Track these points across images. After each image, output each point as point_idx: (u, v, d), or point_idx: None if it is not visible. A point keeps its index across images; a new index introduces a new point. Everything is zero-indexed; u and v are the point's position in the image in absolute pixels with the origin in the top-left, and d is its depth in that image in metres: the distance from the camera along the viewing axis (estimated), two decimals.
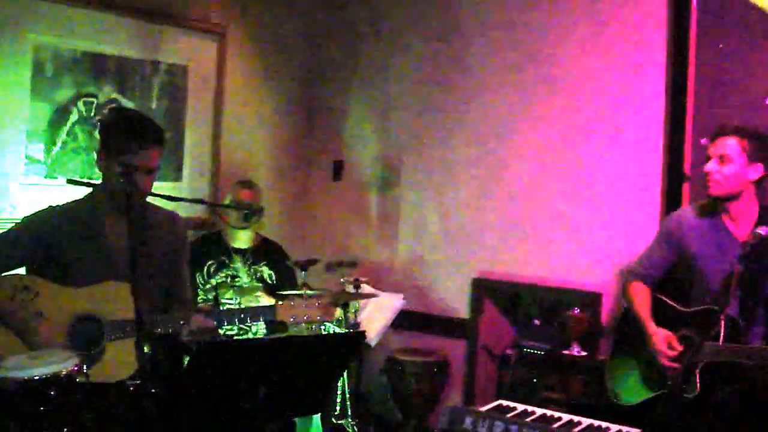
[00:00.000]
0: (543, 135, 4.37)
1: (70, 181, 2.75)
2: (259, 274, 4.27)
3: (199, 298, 4.10)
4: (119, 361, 2.65)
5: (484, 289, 4.59)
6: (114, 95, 4.23)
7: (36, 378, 2.24)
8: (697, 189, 3.70)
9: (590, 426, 2.47)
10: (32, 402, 2.22)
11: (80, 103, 4.10)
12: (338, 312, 4.20)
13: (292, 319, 2.93)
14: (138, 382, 2.56)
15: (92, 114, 4.12)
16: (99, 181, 2.87)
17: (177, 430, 2.29)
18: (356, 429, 4.37)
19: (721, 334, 2.89)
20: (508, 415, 2.51)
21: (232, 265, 4.23)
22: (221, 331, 4.06)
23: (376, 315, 4.44)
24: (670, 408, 2.96)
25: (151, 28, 4.37)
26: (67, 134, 4.07)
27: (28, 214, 2.88)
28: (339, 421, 4.41)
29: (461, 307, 4.69)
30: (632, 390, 3.23)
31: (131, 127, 2.77)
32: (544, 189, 4.36)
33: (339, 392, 4.43)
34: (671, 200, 3.82)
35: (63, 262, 2.76)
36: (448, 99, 4.76)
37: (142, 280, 2.50)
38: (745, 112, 3.59)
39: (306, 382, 2.48)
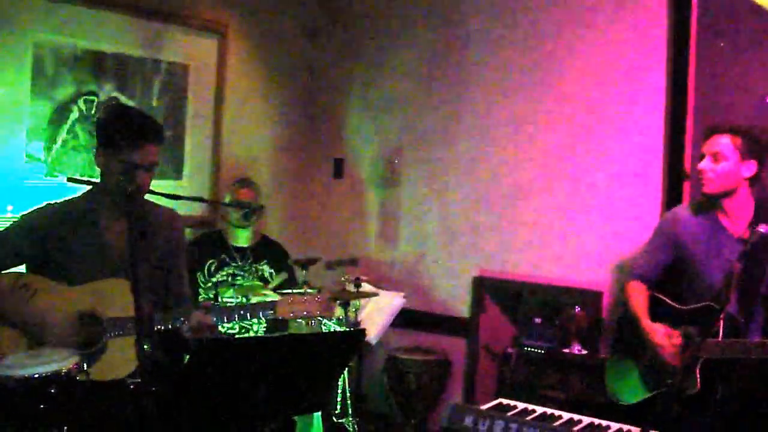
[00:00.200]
0: (544, 133, 4.36)
1: (71, 180, 2.75)
2: (260, 273, 4.28)
3: (200, 297, 4.10)
4: (119, 358, 2.65)
5: (484, 287, 4.59)
6: (114, 93, 4.23)
7: (36, 376, 2.24)
8: (698, 189, 3.70)
9: (590, 424, 2.47)
10: (32, 400, 2.22)
11: (80, 102, 4.10)
12: (339, 310, 4.20)
13: (291, 314, 2.92)
14: (138, 380, 2.56)
15: (93, 112, 4.12)
16: (98, 180, 2.87)
17: (177, 428, 2.29)
18: (357, 428, 4.37)
19: (720, 330, 2.90)
20: (509, 414, 2.51)
21: (232, 264, 4.23)
22: (222, 329, 4.07)
23: (376, 313, 4.44)
24: (670, 404, 2.97)
25: (152, 26, 4.37)
26: (68, 133, 4.06)
27: (27, 211, 2.88)
28: (339, 420, 4.41)
29: (462, 306, 4.69)
30: (632, 390, 3.24)
31: (130, 124, 2.77)
32: (544, 187, 4.36)
33: (339, 391, 4.44)
34: (672, 198, 3.82)
35: (62, 259, 2.76)
36: (448, 97, 4.76)
37: (141, 277, 2.50)
38: (745, 110, 3.60)
39: (306, 380, 2.48)
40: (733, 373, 2.91)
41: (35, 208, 2.87)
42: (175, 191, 4.17)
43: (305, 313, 2.95)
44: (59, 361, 2.31)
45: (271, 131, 5.12)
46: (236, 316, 2.90)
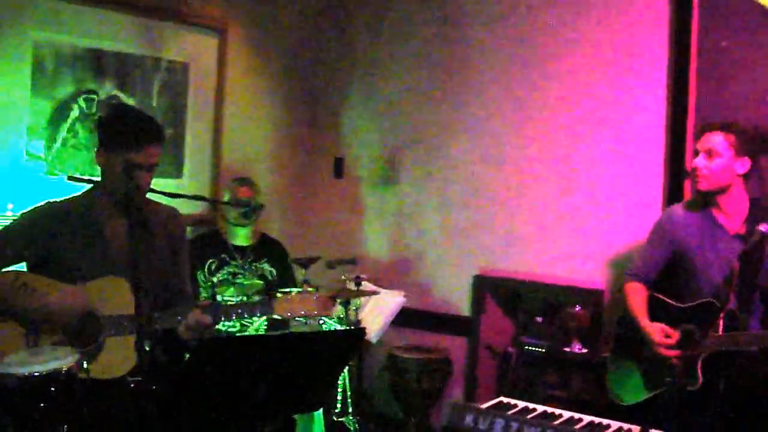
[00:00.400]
0: (544, 132, 4.36)
1: (71, 178, 2.75)
2: (260, 272, 4.27)
3: (201, 296, 4.10)
4: (118, 357, 2.64)
5: (485, 286, 4.59)
6: (114, 92, 4.23)
7: (36, 374, 2.23)
8: (693, 186, 3.71)
9: (591, 423, 2.47)
10: (32, 399, 2.21)
11: (81, 100, 4.09)
12: (339, 309, 4.20)
13: (289, 313, 2.92)
14: (138, 378, 2.56)
15: (93, 111, 4.11)
16: (99, 178, 2.87)
17: (177, 427, 2.29)
18: (357, 426, 4.37)
19: (720, 326, 2.93)
20: (509, 412, 2.51)
21: (233, 263, 4.23)
22: (223, 328, 4.07)
23: (376, 312, 4.44)
24: (671, 402, 2.97)
25: (152, 24, 4.37)
26: (68, 131, 4.06)
27: (27, 210, 2.88)
28: (340, 419, 4.41)
29: (462, 305, 4.69)
30: (633, 391, 3.24)
31: (131, 125, 2.77)
32: (545, 186, 4.35)
33: (340, 389, 4.44)
34: (673, 197, 3.82)
35: (62, 258, 2.75)
36: (448, 96, 4.76)
37: (141, 276, 2.50)
38: (746, 109, 3.60)
39: (306, 378, 2.48)
40: (735, 368, 2.92)
41: (35, 206, 2.86)
42: (175, 190, 4.17)
43: (303, 312, 2.95)
44: (59, 360, 2.31)
45: (271, 130, 5.12)
46: (234, 315, 2.90)
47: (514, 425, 2.33)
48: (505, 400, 2.67)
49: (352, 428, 4.36)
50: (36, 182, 3.91)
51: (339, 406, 4.45)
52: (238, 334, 4.04)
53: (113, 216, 2.85)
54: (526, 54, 4.43)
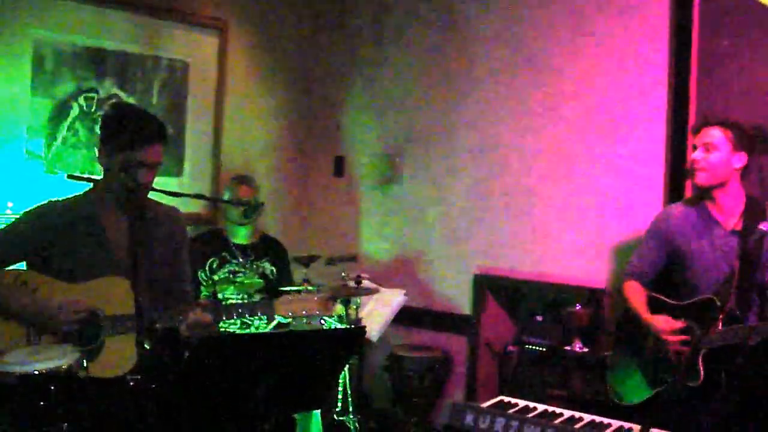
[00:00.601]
0: (545, 131, 4.35)
1: (71, 177, 2.75)
2: (261, 270, 4.27)
3: (202, 294, 4.10)
4: (119, 356, 2.64)
5: (485, 285, 4.58)
6: (114, 90, 4.23)
7: (36, 373, 2.23)
8: (690, 180, 3.72)
9: (591, 422, 2.47)
10: (32, 397, 2.21)
11: (81, 99, 4.09)
12: (339, 308, 4.20)
13: (289, 313, 2.92)
14: (137, 377, 2.56)
15: (93, 109, 4.11)
16: (99, 177, 2.86)
17: (177, 425, 2.29)
18: (358, 425, 4.36)
19: (720, 322, 2.94)
20: (510, 411, 2.51)
21: (234, 261, 4.23)
22: (223, 326, 4.06)
23: (377, 311, 4.43)
24: (673, 398, 2.97)
25: (152, 23, 4.37)
26: (68, 130, 4.06)
27: (27, 209, 2.88)
28: (340, 418, 4.41)
29: (463, 303, 4.68)
30: (634, 389, 3.23)
31: (134, 123, 2.77)
32: (546, 184, 4.35)
33: (341, 388, 4.44)
34: (674, 195, 3.81)
35: (63, 257, 2.75)
36: (449, 95, 4.75)
37: (142, 275, 2.49)
38: (747, 107, 3.60)
39: (306, 377, 2.47)
40: (736, 364, 2.92)
41: (36, 205, 2.86)
42: (176, 188, 4.18)
43: (304, 312, 2.95)
44: (59, 358, 2.31)
45: (271, 128, 5.12)
46: (235, 314, 2.89)
47: (515, 424, 2.32)
48: (506, 399, 2.67)
49: (352, 427, 4.35)
50: (36, 181, 3.91)
51: (339, 405, 4.45)
52: (238, 333, 4.04)
53: (114, 215, 2.84)
54: (527, 53, 4.42)
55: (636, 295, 3.30)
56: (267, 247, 4.36)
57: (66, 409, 2.27)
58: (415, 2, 4.92)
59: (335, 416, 4.41)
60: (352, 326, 4.08)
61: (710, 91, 3.78)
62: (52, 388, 2.25)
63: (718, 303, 2.98)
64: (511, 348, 4.29)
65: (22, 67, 3.88)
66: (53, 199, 2.88)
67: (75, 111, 4.07)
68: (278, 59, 5.10)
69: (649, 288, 3.33)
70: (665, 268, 3.33)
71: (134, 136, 2.72)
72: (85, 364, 2.39)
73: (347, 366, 4.34)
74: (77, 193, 2.91)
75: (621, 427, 2.43)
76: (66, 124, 4.05)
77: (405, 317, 4.60)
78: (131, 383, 2.58)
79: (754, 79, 3.64)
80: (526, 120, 4.43)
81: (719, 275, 3.07)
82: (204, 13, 4.61)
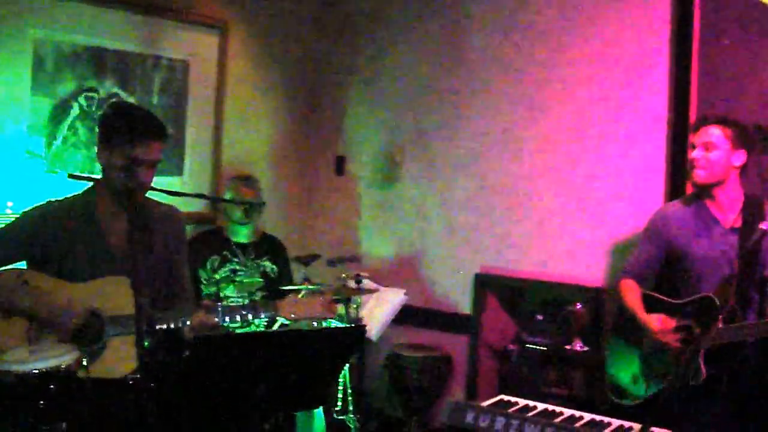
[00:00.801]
0: (545, 129, 4.36)
1: (71, 176, 2.75)
2: (261, 269, 4.27)
3: (203, 293, 4.10)
4: (120, 357, 2.64)
5: (486, 284, 4.58)
6: (115, 90, 4.23)
7: (36, 372, 2.23)
8: (689, 179, 3.71)
9: (591, 421, 2.47)
10: (31, 396, 2.21)
11: (81, 98, 4.09)
12: (340, 307, 4.20)
13: (292, 316, 2.92)
14: (137, 376, 2.56)
15: (93, 109, 4.11)
16: (99, 176, 2.86)
17: (177, 424, 2.29)
18: (358, 424, 4.37)
19: (720, 321, 2.93)
20: (510, 410, 2.51)
21: (234, 260, 4.23)
22: (224, 326, 4.06)
23: (377, 310, 4.44)
24: (674, 396, 2.97)
25: (152, 22, 4.37)
26: (68, 129, 4.06)
27: (27, 209, 2.88)
28: (341, 417, 4.41)
29: (463, 303, 4.68)
30: (634, 384, 3.22)
31: (133, 122, 2.77)
32: (546, 184, 4.35)
33: (341, 387, 4.44)
34: (674, 195, 3.81)
35: (63, 257, 2.75)
36: (450, 94, 4.75)
37: (142, 274, 2.49)
38: (748, 106, 3.60)
39: (306, 376, 2.47)
40: (737, 361, 2.92)
41: (36, 205, 2.86)
42: (176, 187, 4.19)
43: (307, 315, 2.95)
44: (58, 357, 2.31)
45: (272, 128, 5.12)
46: (238, 316, 2.89)
47: (515, 423, 2.33)
48: (506, 398, 2.67)
49: (352, 426, 4.36)
50: (36, 180, 3.90)
51: (340, 404, 4.45)
52: (238, 331, 4.04)
53: (114, 214, 2.84)
54: (528, 53, 4.42)
55: (631, 293, 3.30)
56: (267, 246, 4.36)
57: (65, 408, 2.27)
58: (416, 1, 4.92)
59: (335, 415, 4.41)
60: (353, 325, 4.08)
61: (711, 91, 3.78)
62: (52, 387, 2.25)
63: (718, 302, 2.98)
64: (511, 347, 4.29)
65: (22, 67, 3.88)
66: (52, 199, 2.88)
67: (75, 110, 4.07)
68: (278, 59, 5.10)
69: (645, 286, 3.33)
70: (663, 266, 3.33)
71: (133, 134, 2.72)
72: (85, 363, 2.39)
73: (347, 365, 4.34)
74: (77, 193, 2.91)
75: (621, 426, 2.43)
76: (66, 123, 4.05)
77: (405, 316, 4.60)
78: (131, 382, 2.58)
79: (755, 78, 3.64)
80: (526, 119, 4.43)
81: (719, 273, 3.07)
82: (204, 12, 4.61)
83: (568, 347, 4.04)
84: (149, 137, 2.75)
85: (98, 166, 2.84)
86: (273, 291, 4.16)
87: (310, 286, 4.05)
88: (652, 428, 2.33)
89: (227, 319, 2.87)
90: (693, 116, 3.80)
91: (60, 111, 4.02)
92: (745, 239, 3.02)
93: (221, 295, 4.14)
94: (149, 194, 2.90)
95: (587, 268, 4.17)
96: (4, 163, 3.83)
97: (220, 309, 2.86)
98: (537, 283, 4.36)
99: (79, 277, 2.73)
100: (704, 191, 3.18)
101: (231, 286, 4.17)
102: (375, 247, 5.11)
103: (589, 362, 3.95)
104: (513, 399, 2.66)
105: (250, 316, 2.90)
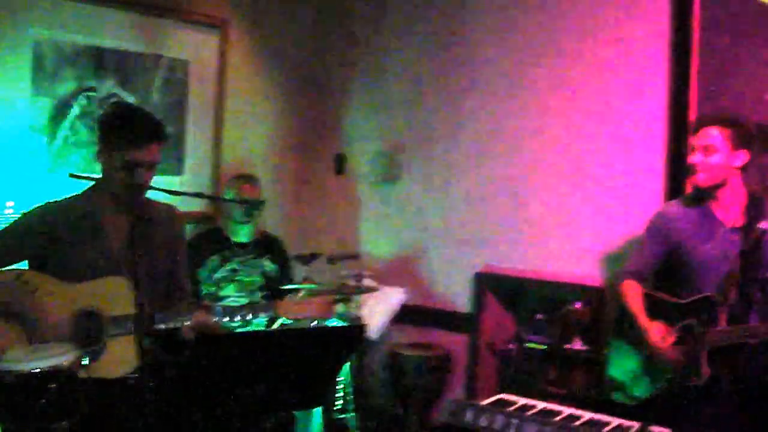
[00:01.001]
0: (545, 129, 4.36)
1: (72, 176, 2.75)
2: (261, 268, 4.27)
3: (203, 293, 4.10)
4: (120, 357, 2.64)
5: (486, 283, 4.59)
6: (115, 89, 4.23)
7: (36, 371, 2.24)
8: (691, 182, 3.71)
9: (591, 420, 2.48)
10: (32, 395, 2.22)
11: (81, 98, 4.09)
12: (339, 306, 4.20)
13: (291, 316, 2.93)
14: (137, 375, 2.56)
15: (93, 108, 4.11)
16: (100, 176, 2.87)
17: (177, 424, 2.30)
18: (358, 423, 4.37)
19: (722, 320, 2.92)
20: (509, 409, 2.52)
21: (235, 260, 4.23)
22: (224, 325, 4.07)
23: (377, 309, 4.44)
24: (675, 396, 2.97)
25: (153, 21, 4.37)
26: (68, 129, 4.06)
27: (28, 209, 2.88)
28: (341, 416, 4.41)
29: (463, 302, 4.69)
30: (636, 381, 3.21)
31: (133, 123, 2.78)
32: (546, 183, 4.35)
33: (341, 386, 4.44)
34: (674, 194, 3.81)
35: (63, 257, 2.75)
36: (449, 93, 4.75)
37: (142, 274, 2.50)
38: (746, 105, 3.60)
39: (306, 375, 2.48)
40: (740, 361, 2.91)
41: (37, 206, 2.87)
42: (176, 187, 4.19)
43: (306, 315, 2.95)
44: (59, 356, 2.31)
45: (272, 127, 5.12)
46: (238, 316, 2.90)
47: (515, 422, 2.33)
48: (506, 396, 2.68)
49: (352, 425, 4.36)
50: (37, 180, 3.91)
51: (339, 403, 4.45)
52: (238, 331, 4.04)
53: (114, 214, 2.85)
54: (528, 52, 4.42)
55: (633, 296, 3.26)
56: (267, 245, 4.37)
57: (66, 407, 2.27)
58: (415, 1, 4.92)
59: (335, 414, 4.41)
60: (353, 324, 4.09)
61: (710, 90, 3.77)
62: (53, 386, 2.25)
63: (718, 299, 2.97)
64: (511, 346, 4.30)
65: (23, 67, 3.88)
66: (52, 200, 2.89)
67: (75, 110, 4.07)
68: (278, 58, 5.10)
69: (646, 286, 3.31)
70: (666, 265, 3.32)
71: (132, 135, 2.73)
72: (86, 362, 2.40)
73: (347, 364, 4.35)
74: (76, 193, 2.92)
75: (620, 425, 2.44)
76: (66, 123, 4.05)
77: (405, 315, 4.61)
78: (131, 382, 2.59)
79: (754, 77, 3.64)
80: (526, 119, 4.43)
81: (721, 273, 3.04)
82: (204, 12, 4.61)
83: (567, 346, 4.05)
84: (148, 139, 2.76)
85: (98, 166, 2.85)
86: (273, 290, 4.16)
87: (309, 286, 4.05)
88: (651, 427, 2.33)
89: (226, 319, 2.88)
90: (692, 116, 3.80)
91: (60, 111, 4.02)
92: (746, 238, 3.00)
93: (221, 294, 4.14)
94: (149, 194, 2.90)
95: (587, 267, 4.17)
96: (5, 163, 3.84)
97: (218, 309, 2.86)
98: (537, 282, 4.36)
99: (79, 277, 2.72)
100: (706, 193, 3.15)
101: (231, 286, 4.17)
102: (375, 246, 5.12)
103: (588, 361, 3.95)
104: (512, 398, 2.66)
105: (249, 317, 2.90)
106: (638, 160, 4.02)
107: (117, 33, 4.22)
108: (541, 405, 2.59)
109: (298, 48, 5.20)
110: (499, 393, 2.75)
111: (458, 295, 4.70)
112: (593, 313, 4.06)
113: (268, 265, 4.30)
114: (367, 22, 5.18)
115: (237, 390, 2.32)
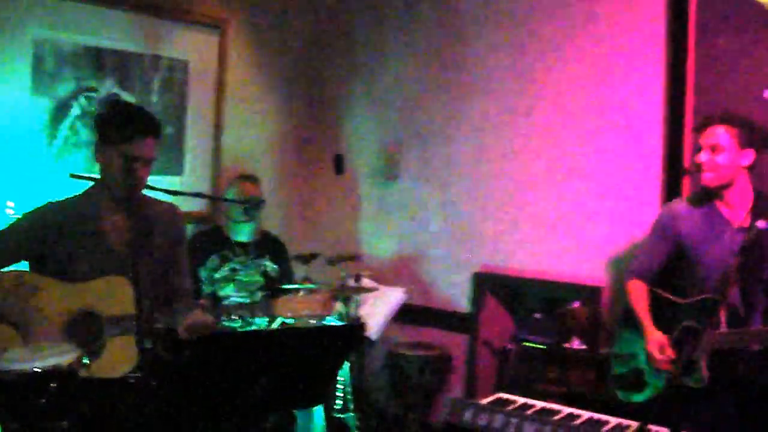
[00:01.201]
0: (543, 129, 4.36)
1: (72, 176, 2.76)
2: (261, 268, 4.28)
3: (203, 292, 4.11)
4: (120, 356, 2.65)
5: (485, 283, 4.59)
6: (115, 90, 4.23)
7: (36, 371, 2.24)
8: (697, 182, 3.70)
9: (590, 419, 2.48)
10: (32, 394, 2.22)
11: (81, 98, 4.10)
12: (339, 306, 4.21)
13: (290, 314, 2.93)
14: (138, 375, 2.57)
15: (93, 108, 4.12)
16: (98, 176, 2.87)
17: (177, 423, 2.30)
18: (358, 423, 4.38)
19: (723, 322, 2.89)
20: (508, 408, 2.53)
21: (235, 259, 4.23)
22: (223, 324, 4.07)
23: (377, 309, 4.45)
24: (673, 396, 2.96)
25: (152, 22, 4.37)
26: (68, 129, 4.07)
27: (28, 210, 2.88)
28: (340, 415, 4.42)
29: (462, 301, 4.70)
30: (641, 384, 3.21)
31: (127, 118, 2.79)
32: (545, 182, 4.36)
33: (340, 386, 4.45)
34: (671, 193, 3.82)
35: (63, 257, 2.76)
36: (449, 92, 4.76)
37: (142, 273, 2.50)
38: (744, 105, 3.59)
39: (306, 374, 2.49)
40: (740, 364, 2.90)
41: (37, 206, 2.87)
42: (176, 187, 4.20)
43: (305, 312, 2.95)
44: (59, 356, 2.32)
45: (271, 127, 5.12)
46: (235, 315, 2.90)
47: (514, 421, 2.34)
48: (505, 396, 2.69)
49: (352, 425, 4.37)
50: (37, 180, 3.91)
51: (340, 402, 4.46)
52: (238, 330, 4.05)
53: (113, 213, 2.85)
54: (526, 52, 4.43)
55: (640, 298, 3.25)
56: (268, 245, 4.37)
57: (66, 406, 2.28)
58: (414, 1, 4.92)
59: (335, 414, 4.42)
60: (352, 324, 4.09)
61: (707, 88, 3.77)
62: (53, 385, 2.26)
63: (717, 297, 2.95)
64: (510, 345, 4.30)
65: (23, 67, 3.88)
66: (53, 201, 2.89)
67: (75, 110, 4.08)
68: (278, 58, 5.10)
69: (652, 284, 3.29)
70: (673, 263, 3.29)
71: (127, 131, 2.74)
72: (86, 361, 2.40)
73: (347, 364, 4.35)
74: (76, 193, 2.92)
75: (619, 424, 2.45)
76: (66, 123, 4.06)
77: (405, 315, 4.61)
78: (132, 381, 2.59)
79: (750, 76, 3.64)
80: (524, 119, 4.44)
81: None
82: (204, 11, 4.61)
83: (566, 346, 4.05)
84: (142, 134, 2.76)
85: (97, 166, 2.85)
86: (273, 290, 4.16)
87: (309, 285, 4.06)
88: (650, 426, 2.34)
89: (224, 318, 2.88)
90: (689, 116, 3.80)
91: (60, 111, 4.03)
92: (746, 238, 2.98)
93: (221, 294, 4.15)
94: (149, 193, 2.90)
95: (585, 266, 4.18)
96: (5, 163, 3.84)
97: (216, 309, 2.87)
98: (536, 282, 4.37)
99: (79, 277, 2.73)
100: (713, 193, 3.11)
101: (231, 285, 4.17)
102: (374, 246, 5.12)
103: (587, 360, 3.96)
104: (511, 397, 2.67)
105: (247, 316, 2.91)
106: (635, 160, 4.03)
107: (117, 33, 4.22)
108: (539, 404, 2.60)
109: (297, 48, 5.21)
110: (498, 392, 2.76)
111: (457, 295, 4.71)
112: (591, 313, 4.06)
113: (268, 265, 4.30)
114: (366, 23, 5.18)
115: (237, 389, 2.32)
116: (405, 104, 4.98)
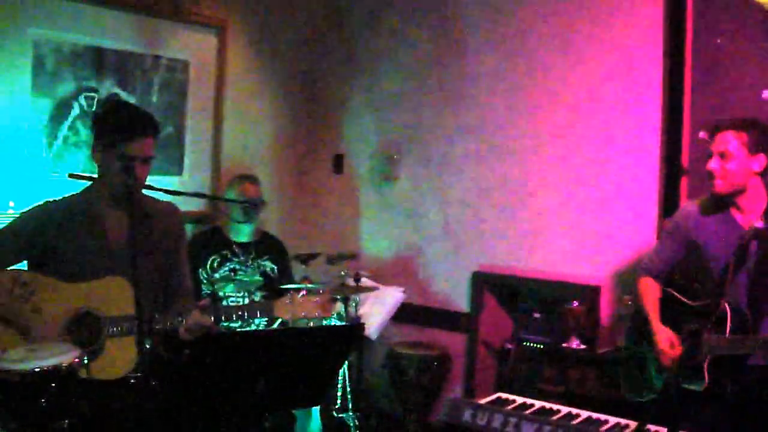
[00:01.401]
0: (542, 129, 4.37)
1: (72, 176, 2.76)
2: (261, 268, 4.28)
3: (203, 293, 4.11)
4: (119, 357, 2.65)
5: (484, 282, 4.60)
6: (115, 90, 4.24)
7: (36, 371, 2.25)
8: (695, 182, 3.72)
9: (588, 418, 2.49)
10: (32, 394, 2.23)
11: (81, 98, 4.10)
12: (338, 306, 4.21)
13: (289, 315, 2.93)
14: (138, 375, 2.57)
15: (93, 108, 4.12)
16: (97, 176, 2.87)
17: (177, 422, 2.31)
18: (357, 422, 4.38)
19: (728, 326, 2.86)
20: (507, 408, 2.53)
21: (235, 260, 4.23)
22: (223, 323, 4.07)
23: (376, 308, 4.45)
24: (673, 397, 2.96)
25: (152, 22, 4.38)
26: (69, 129, 4.07)
27: (26, 209, 2.89)
28: (340, 415, 4.43)
29: (461, 301, 4.70)
30: (648, 382, 3.21)
31: (125, 118, 2.78)
32: (543, 183, 4.37)
33: (340, 385, 4.45)
34: (669, 194, 3.83)
35: (62, 257, 2.75)
36: (447, 93, 4.77)
37: (142, 273, 2.50)
38: (742, 106, 3.60)
39: (305, 374, 2.49)
40: (743, 368, 2.89)
41: (35, 205, 2.87)
42: (176, 187, 4.20)
43: (304, 314, 2.96)
44: (59, 356, 2.32)
45: (271, 127, 5.13)
46: (235, 316, 2.90)
47: (513, 420, 2.34)
48: (504, 395, 2.69)
49: (351, 424, 4.37)
50: (37, 180, 3.92)
51: (339, 402, 4.47)
52: (238, 330, 4.05)
53: (113, 213, 2.85)
54: (524, 53, 4.43)
55: (649, 294, 3.24)
56: (267, 245, 4.37)
57: (67, 406, 2.28)
58: (414, 1, 4.93)
59: (334, 413, 4.43)
60: (351, 323, 4.10)
61: (704, 91, 3.78)
62: (53, 385, 2.26)
63: (724, 302, 2.93)
64: (508, 345, 4.31)
65: (23, 67, 3.88)
66: (51, 199, 2.89)
67: (76, 110, 4.08)
68: (278, 59, 5.11)
69: (663, 283, 3.28)
70: (681, 263, 3.27)
71: (124, 128, 2.73)
72: (86, 361, 2.41)
73: (346, 364, 4.36)
74: (75, 192, 2.92)
75: (617, 423, 2.45)
76: (67, 123, 4.06)
77: (404, 315, 4.62)
78: (132, 381, 2.60)
79: (748, 77, 3.64)
80: (523, 119, 4.45)
81: (741, 279, 2.97)
82: (203, 12, 4.62)
83: (565, 345, 4.06)
84: (141, 133, 2.76)
85: (96, 166, 2.86)
86: (273, 290, 4.17)
87: (308, 285, 4.06)
88: (649, 426, 2.34)
89: (224, 319, 2.88)
90: (687, 117, 3.80)
91: (60, 111, 4.03)
92: (745, 240, 2.95)
93: (221, 294, 4.15)
94: (149, 193, 2.91)
95: (584, 266, 4.19)
96: (5, 163, 3.85)
97: (215, 309, 2.87)
98: (534, 282, 4.38)
99: (79, 277, 2.73)
100: (726, 200, 3.05)
101: (230, 285, 4.18)
102: (374, 246, 5.13)
103: (585, 360, 3.97)
104: (510, 396, 2.67)
105: (246, 317, 2.91)
106: (633, 161, 4.03)
107: (117, 33, 4.23)
108: (538, 404, 2.60)
109: (297, 48, 5.21)
110: (497, 392, 2.76)
111: (456, 295, 4.72)
112: (590, 312, 4.07)
113: (268, 265, 4.30)
114: (365, 23, 5.19)
115: (237, 389, 2.33)
116: (404, 105, 4.98)
